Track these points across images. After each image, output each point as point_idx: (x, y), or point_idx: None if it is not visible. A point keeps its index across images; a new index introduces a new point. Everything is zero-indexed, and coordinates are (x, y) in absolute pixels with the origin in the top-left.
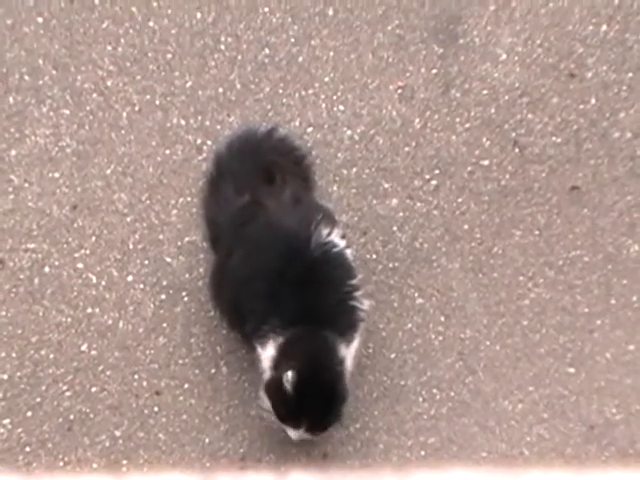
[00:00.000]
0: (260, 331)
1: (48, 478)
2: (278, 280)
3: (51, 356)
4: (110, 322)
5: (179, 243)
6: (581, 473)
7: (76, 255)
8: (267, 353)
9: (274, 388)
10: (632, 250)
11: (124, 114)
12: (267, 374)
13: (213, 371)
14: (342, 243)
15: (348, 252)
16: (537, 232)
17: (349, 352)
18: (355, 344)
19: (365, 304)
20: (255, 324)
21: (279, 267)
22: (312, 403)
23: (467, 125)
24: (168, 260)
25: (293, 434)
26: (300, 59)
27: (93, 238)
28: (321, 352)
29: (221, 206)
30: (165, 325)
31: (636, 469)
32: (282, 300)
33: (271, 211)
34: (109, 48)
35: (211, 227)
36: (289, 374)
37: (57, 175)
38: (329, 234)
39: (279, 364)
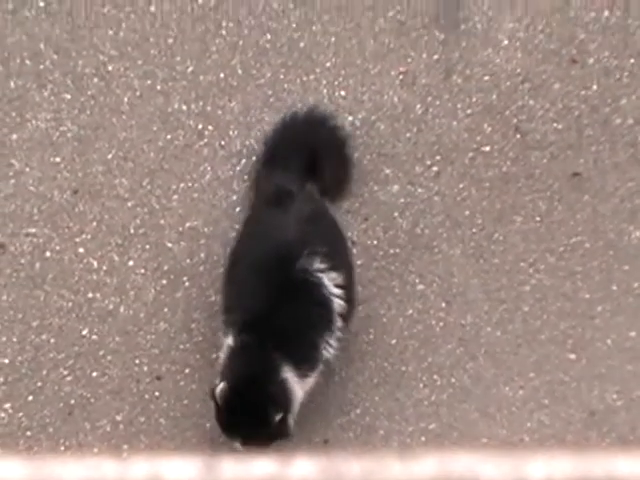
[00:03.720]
0: (225, 318)
1: (49, 462)
2: (256, 281)
3: (52, 341)
4: (111, 307)
5: (180, 228)
6: (582, 459)
7: (77, 240)
8: (222, 350)
9: (213, 397)
10: (633, 236)
11: (125, 99)
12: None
13: (214, 356)
14: (333, 289)
15: (336, 301)
16: (538, 218)
17: (300, 385)
18: (309, 382)
19: (331, 352)
20: (225, 310)
21: (262, 269)
22: (243, 420)
23: (468, 111)
24: (169, 245)
25: (235, 445)
26: (301, 44)
27: (94, 223)
28: (258, 370)
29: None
30: (166, 310)
31: (637, 455)
32: (251, 301)
33: (289, 209)
34: (110, 33)
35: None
36: (220, 387)
37: (58, 160)
38: (319, 270)
39: (223, 372)
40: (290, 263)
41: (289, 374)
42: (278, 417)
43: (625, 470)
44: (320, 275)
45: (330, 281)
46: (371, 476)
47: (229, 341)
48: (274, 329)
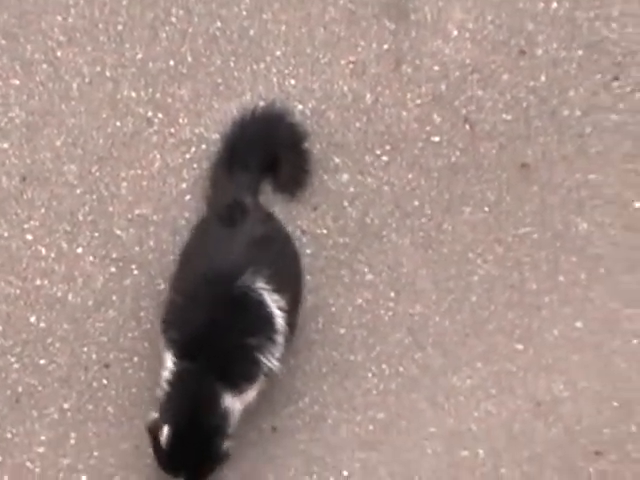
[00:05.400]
0: (165, 334)
1: None
2: (197, 297)
3: None
4: (59, 294)
5: (129, 216)
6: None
7: (25, 226)
8: (163, 371)
9: (154, 434)
10: (580, 228)
11: (74, 85)
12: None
13: (160, 345)
14: (274, 309)
15: (278, 317)
16: (487, 209)
17: (239, 401)
18: (250, 394)
19: (275, 364)
20: (165, 321)
21: (204, 285)
22: (186, 459)
23: (418, 101)
24: (118, 232)
25: None
26: (251, 32)
27: (42, 210)
28: (201, 406)
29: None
30: (114, 298)
31: (581, 444)
32: (191, 318)
33: (240, 228)
34: (59, 18)
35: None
36: (164, 430)
37: (6, 146)
38: (261, 288)
39: (163, 408)
40: (232, 279)
41: (229, 399)
42: (225, 447)
43: None
44: (262, 292)
45: (273, 302)
46: None
47: (169, 363)
48: (213, 350)
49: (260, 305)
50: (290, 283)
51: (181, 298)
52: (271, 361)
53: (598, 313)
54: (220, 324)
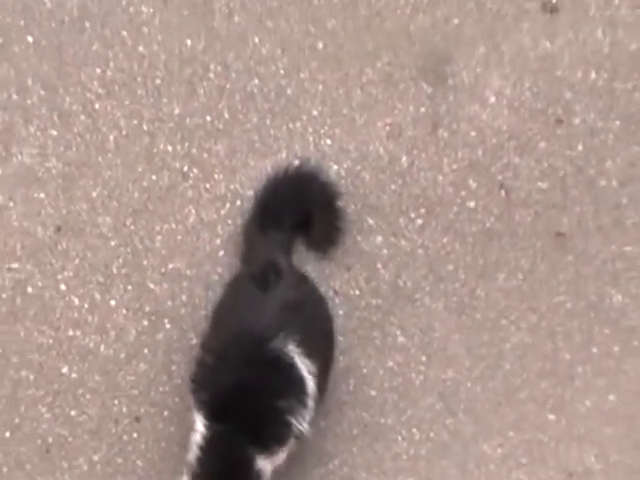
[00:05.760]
0: (194, 395)
1: None
2: (228, 359)
3: (31, 377)
4: (92, 345)
5: (163, 269)
6: None
7: (59, 277)
8: (194, 434)
9: None
10: (615, 300)
11: (111, 138)
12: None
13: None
14: (305, 372)
15: (310, 384)
16: (521, 276)
17: (270, 463)
18: (280, 456)
19: (305, 427)
20: (194, 385)
21: (236, 348)
22: None
23: (454, 166)
24: (151, 286)
25: None
26: (289, 91)
27: (77, 260)
28: (234, 472)
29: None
30: (146, 351)
31: None
32: (220, 378)
33: (273, 291)
34: (98, 71)
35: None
36: None
37: (42, 196)
38: (293, 352)
39: (195, 474)
40: (264, 342)
41: (261, 463)
42: None
43: None
44: (293, 356)
45: (303, 366)
46: None
47: (199, 426)
48: (243, 412)
49: (291, 368)
50: (321, 347)
51: (211, 358)
52: (302, 424)
53: (632, 385)
54: (251, 386)
